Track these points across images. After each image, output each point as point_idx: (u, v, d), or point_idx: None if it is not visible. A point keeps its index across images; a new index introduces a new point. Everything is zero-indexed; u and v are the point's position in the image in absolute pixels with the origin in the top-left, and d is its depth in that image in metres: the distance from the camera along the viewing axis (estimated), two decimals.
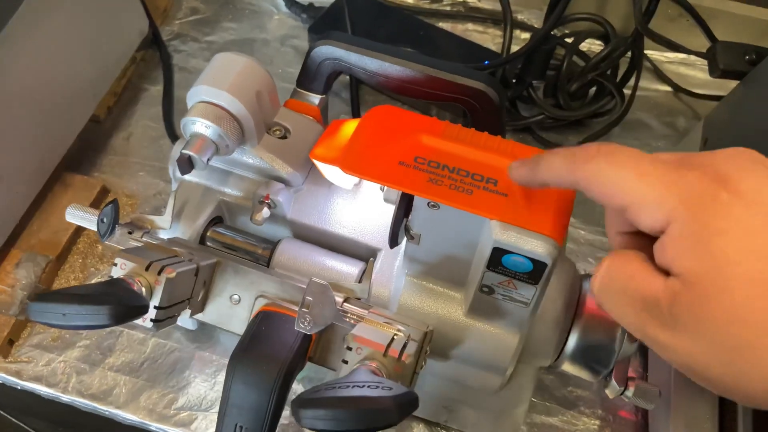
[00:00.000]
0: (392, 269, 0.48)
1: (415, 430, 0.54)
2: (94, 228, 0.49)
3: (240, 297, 0.47)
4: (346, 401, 0.34)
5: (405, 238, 0.44)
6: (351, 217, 0.50)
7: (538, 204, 0.39)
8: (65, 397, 0.55)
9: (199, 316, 0.48)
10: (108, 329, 0.58)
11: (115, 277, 0.42)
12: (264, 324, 0.44)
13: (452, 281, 0.46)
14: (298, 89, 0.54)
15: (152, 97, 0.73)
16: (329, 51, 0.50)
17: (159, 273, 0.42)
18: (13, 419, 0.82)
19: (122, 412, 0.54)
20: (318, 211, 0.50)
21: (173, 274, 0.42)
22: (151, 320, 0.42)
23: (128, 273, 0.42)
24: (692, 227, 0.27)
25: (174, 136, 0.70)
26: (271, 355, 0.42)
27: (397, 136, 0.41)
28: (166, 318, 0.44)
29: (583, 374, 0.48)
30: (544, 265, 0.38)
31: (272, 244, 0.51)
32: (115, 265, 0.43)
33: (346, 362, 0.40)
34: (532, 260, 0.38)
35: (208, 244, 0.51)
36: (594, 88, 0.70)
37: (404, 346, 0.40)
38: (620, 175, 0.29)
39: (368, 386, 0.36)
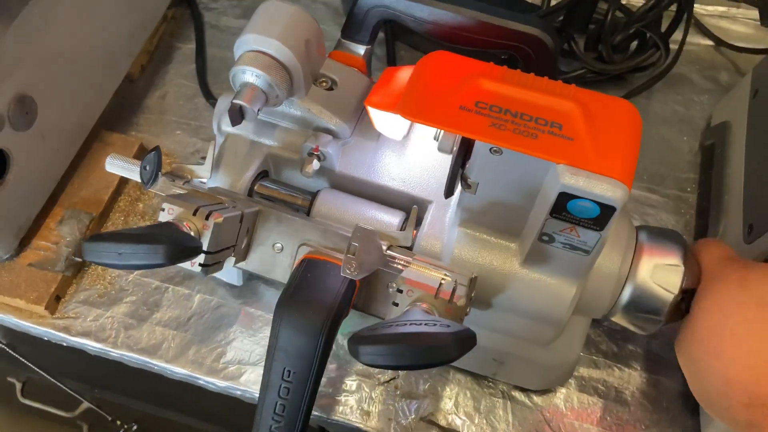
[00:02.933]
0: (443, 221, 0.48)
1: (463, 382, 0.54)
2: (134, 177, 0.48)
3: (283, 245, 0.46)
4: (406, 337, 0.34)
5: (460, 188, 0.43)
6: (400, 170, 0.49)
7: (606, 147, 0.38)
8: (115, 352, 0.55)
9: (242, 264, 0.47)
10: (154, 285, 0.58)
11: (163, 221, 0.42)
12: (309, 271, 0.44)
13: (507, 231, 0.45)
14: (343, 40, 0.52)
15: (184, 55, 0.72)
16: None
17: (207, 218, 0.42)
18: (52, 379, 0.83)
19: (172, 365, 0.54)
20: (367, 163, 0.50)
21: (221, 219, 0.42)
22: (200, 264, 0.42)
23: (176, 218, 0.42)
24: None
25: (209, 94, 0.69)
26: (317, 301, 0.42)
27: (455, 81, 0.40)
28: (213, 263, 0.43)
29: (633, 327, 0.48)
30: (612, 209, 0.37)
31: (311, 195, 0.50)
32: (163, 210, 0.42)
33: (396, 304, 0.40)
34: (600, 205, 0.37)
35: (256, 197, 0.50)
36: (636, 42, 0.69)
37: (454, 290, 0.40)
38: None
39: (425, 324, 0.36)
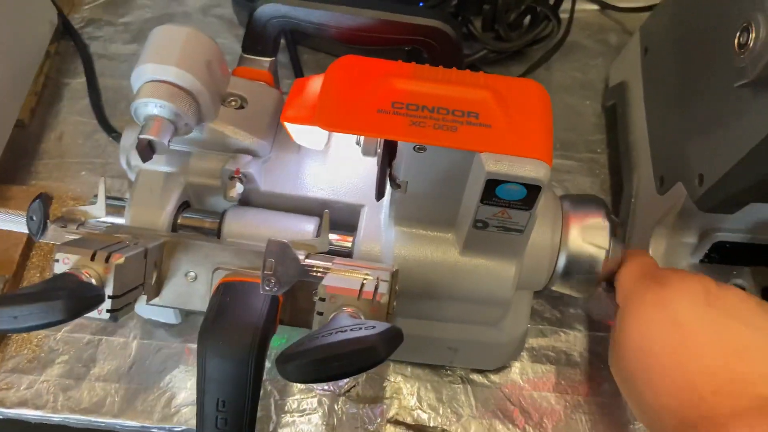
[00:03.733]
0: (378, 223, 0.47)
1: (422, 376, 0.55)
2: (19, 229, 0.46)
3: (196, 273, 0.44)
4: (331, 347, 0.34)
5: (390, 189, 0.43)
6: (326, 179, 0.49)
7: (522, 129, 0.39)
8: (56, 417, 0.52)
9: (156, 300, 0.45)
10: (86, 339, 0.55)
11: (59, 273, 0.39)
12: (227, 295, 0.42)
13: (442, 223, 0.46)
14: (245, 55, 0.51)
15: (75, 90, 0.69)
16: (274, 9, 0.48)
17: (106, 260, 0.39)
18: None
19: (120, 420, 0.52)
20: (291, 177, 0.49)
21: (122, 260, 0.40)
22: (107, 311, 0.40)
23: (73, 266, 0.39)
24: None
25: (109, 127, 0.66)
26: (241, 323, 0.41)
27: (368, 85, 0.40)
28: (122, 306, 0.41)
29: (573, 292, 0.50)
30: (538, 188, 0.38)
31: (219, 216, 0.48)
32: (57, 261, 0.40)
33: (321, 314, 0.40)
34: (526, 186, 0.38)
35: (180, 231, 0.48)
36: (528, 17, 0.71)
37: (376, 288, 0.40)
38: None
39: (351, 329, 0.35)
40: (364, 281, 0.41)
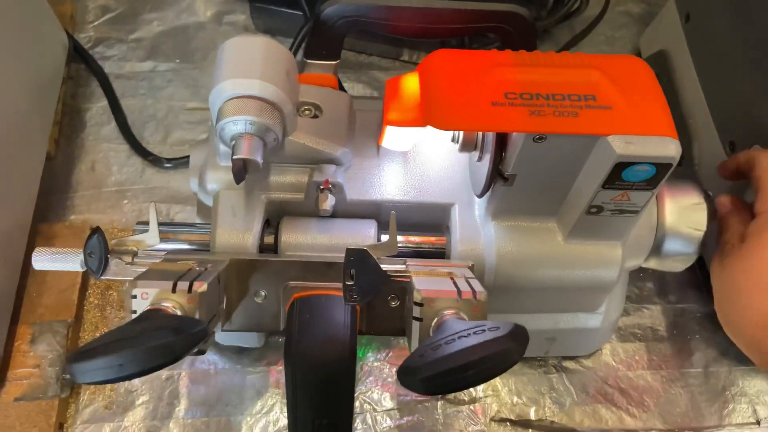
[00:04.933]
0: (474, 221, 0.46)
1: (516, 370, 0.54)
2: (72, 268, 0.42)
3: (265, 292, 0.42)
4: (461, 354, 0.31)
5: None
6: (412, 180, 0.47)
7: (642, 107, 0.38)
8: None
9: (227, 326, 0.42)
10: (164, 375, 0.52)
11: (138, 310, 0.36)
12: (306, 311, 0.40)
13: (545, 212, 0.44)
14: (309, 61, 0.49)
15: (97, 115, 0.65)
16: (341, 10, 0.45)
17: (189, 290, 0.36)
18: None
19: None
20: (375, 183, 0.47)
21: (204, 287, 0.37)
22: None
23: (154, 300, 0.36)
24: None
25: (144, 151, 0.62)
26: (328, 338, 0.39)
27: (474, 78, 0.38)
28: (211, 334, 0.38)
29: (666, 268, 0.49)
30: (669, 166, 0.37)
31: (272, 229, 0.46)
32: (134, 297, 0.36)
33: (420, 319, 0.37)
34: (657, 165, 0.37)
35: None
36: None
37: (471, 286, 0.38)
38: None
39: (473, 333, 0.33)
40: (454, 279, 0.39)
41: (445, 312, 0.37)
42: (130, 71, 0.67)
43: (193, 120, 0.65)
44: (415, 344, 0.37)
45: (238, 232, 0.45)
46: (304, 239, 0.45)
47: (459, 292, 0.37)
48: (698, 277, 0.59)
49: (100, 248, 0.41)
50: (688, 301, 0.58)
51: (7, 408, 0.48)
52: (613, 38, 0.73)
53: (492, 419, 0.52)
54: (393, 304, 0.40)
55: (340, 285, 0.40)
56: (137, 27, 0.70)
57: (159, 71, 0.67)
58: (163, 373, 0.52)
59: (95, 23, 0.70)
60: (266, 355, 0.53)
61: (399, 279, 0.40)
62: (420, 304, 0.37)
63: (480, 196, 0.43)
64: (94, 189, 0.60)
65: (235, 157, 0.40)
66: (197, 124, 0.65)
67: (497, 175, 0.41)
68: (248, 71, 0.40)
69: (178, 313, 0.36)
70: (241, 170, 0.40)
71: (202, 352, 0.37)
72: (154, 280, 0.37)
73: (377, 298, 0.41)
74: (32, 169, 0.56)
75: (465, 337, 0.33)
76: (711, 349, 0.56)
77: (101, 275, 0.42)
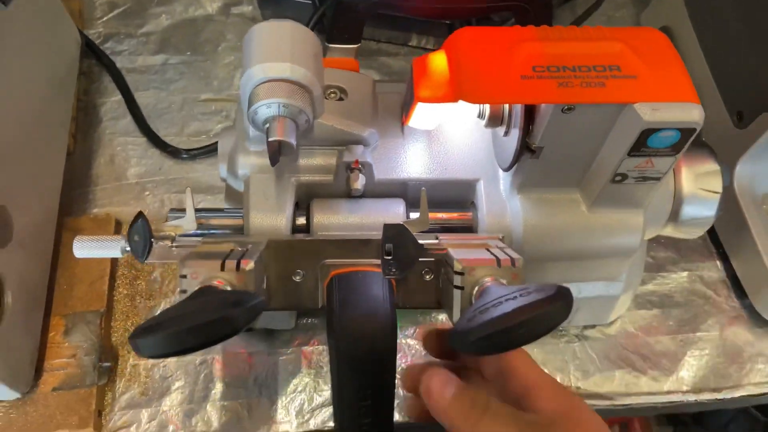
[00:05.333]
0: (499, 195, 0.47)
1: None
2: (112, 254, 0.43)
3: (303, 272, 0.42)
4: (516, 313, 0.32)
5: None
6: (437, 158, 0.48)
7: (665, 75, 0.39)
8: None
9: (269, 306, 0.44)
10: (198, 360, 0.53)
11: (188, 290, 0.37)
12: (343, 288, 0.41)
13: (569, 183, 0.46)
14: (331, 45, 0.49)
15: (112, 110, 0.65)
16: None
17: (237, 268, 0.37)
18: None
19: None
20: (401, 162, 0.48)
21: (251, 265, 0.38)
22: None
23: (203, 280, 0.37)
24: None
25: (163, 143, 0.63)
26: (370, 312, 0.39)
27: (501, 53, 0.39)
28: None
29: (683, 235, 0.51)
30: (693, 131, 0.39)
31: (304, 211, 0.47)
32: (184, 276, 0.37)
33: (462, 288, 0.38)
34: (681, 130, 0.39)
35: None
36: None
37: (506, 253, 0.39)
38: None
39: (519, 295, 0.34)
40: (489, 249, 0.40)
41: (485, 279, 0.38)
42: (142, 65, 0.68)
43: (207, 111, 0.66)
44: (457, 313, 0.38)
45: (271, 215, 0.46)
46: (336, 219, 0.46)
47: (497, 260, 0.38)
48: (709, 245, 0.61)
49: (144, 232, 0.42)
50: (700, 268, 0.59)
51: (47, 398, 0.49)
52: (614, 18, 0.74)
53: None
54: (427, 278, 0.41)
55: (375, 261, 0.41)
56: (146, 21, 0.71)
57: (171, 64, 0.68)
58: (197, 357, 0.53)
59: (103, 19, 0.70)
60: (297, 336, 0.54)
61: (435, 251, 0.41)
62: (460, 273, 0.38)
63: (507, 169, 0.45)
64: (114, 182, 0.61)
65: (270, 139, 0.41)
66: (212, 115, 0.65)
67: (525, 148, 0.42)
68: (279, 55, 0.41)
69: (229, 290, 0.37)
70: (276, 152, 0.41)
71: (250, 329, 0.39)
72: (203, 260, 0.38)
73: (412, 273, 0.42)
74: (56, 163, 0.56)
75: (512, 299, 0.34)
76: (725, 313, 0.58)
77: (145, 258, 0.42)
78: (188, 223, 0.45)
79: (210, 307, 0.34)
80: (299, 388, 0.52)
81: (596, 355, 0.55)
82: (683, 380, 0.54)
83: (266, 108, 0.41)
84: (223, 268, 0.38)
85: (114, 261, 0.56)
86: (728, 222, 0.58)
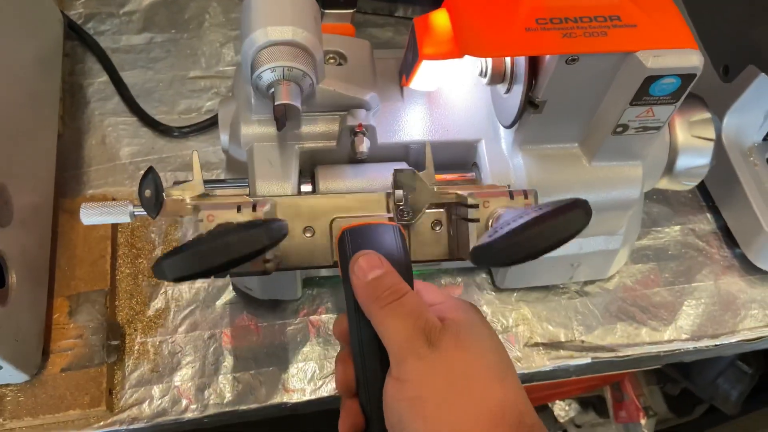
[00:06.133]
0: (502, 153, 0.48)
1: (541, 299, 0.56)
2: (120, 220, 0.42)
3: (314, 228, 0.42)
4: (538, 220, 0.33)
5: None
6: (438, 120, 0.48)
7: (663, 23, 0.40)
8: (205, 416, 0.50)
9: (282, 265, 0.43)
10: (206, 335, 0.52)
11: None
12: (356, 240, 0.39)
13: (570, 137, 0.47)
14: (327, 11, 0.49)
15: (100, 90, 0.64)
16: None
17: (254, 210, 0.38)
18: None
19: (273, 401, 0.50)
20: (402, 125, 0.48)
21: (268, 206, 0.39)
22: (265, 261, 0.39)
23: (220, 222, 0.38)
24: None
25: (154, 122, 0.62)
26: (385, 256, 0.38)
27: (501, 7, 0.40)
28: (274, 257, 0.40)
29: (679, 186, 0.53)
30: (693, 76, 0.40)
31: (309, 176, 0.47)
32: (201, 220, 0.38)
33: (476, 220, 0.39)
34: (682, 76, 0.40)
35: None
36: None
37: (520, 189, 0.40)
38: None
39: (534, 211, 0.34)
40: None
41: (499, 210, 0.39)
42: (126, 44, 0.67)
43: (197, 88, 0.65)
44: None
45: (276, 183, 0.45)
46: (342, 184, 0.46)
47: (510, 192, 0.39)
48: (699, 198, 0.63)
49: (155, 185, 0.41)
50: (692, 221, 0.61)
51: (56, 379, 0.48)
52: None
53: (526, 345, 0.54)
54: (437, 229, 0.42)
55: (386, 215, 0.41)
56: (126, 0, 0.69)
57: (156, 42, 0.67)
58: (205, 332, 0.53)
59: None
60: (304, 306, 0.54)
61: (446, 194, 0.41)
62: (474, 206, 0.39)
63: (509, 126, 0.45)
64: (108, 163, 0.60)
65: (276, 103, 0.40)
66: (202, 92, 0.65)
67: (528, 102, 0.43)
68: (280, 18, 0.41)
69: None
70: (283, 116, 0.41)
71: (267, 272, 0.38)
72: (219, 204, 0.38)
73: (422, 225, 0.42)
74: (48, 145, 0.55)
75: (527, 215, 0.34)
76: (718, 264, 0.59)
77: (158, 213, 0.41)
78: (196, 185, 0.44)
79: (231, 229, 0.34)
80: (309, 357, 0.52)
81: (597, 309, 0.56)
82: (682, 329, 0.56)
83: (270, 72, 0.41)
84: (239, 210, 0.38)
85: (114, 240, 0.55)
86: (717, 174, 0.60)
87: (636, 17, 0.40)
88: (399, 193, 0.40)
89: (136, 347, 0.52)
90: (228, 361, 0.52)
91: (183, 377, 0.51)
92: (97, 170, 0.60)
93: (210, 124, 0.62)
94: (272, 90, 0.41)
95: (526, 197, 0.40)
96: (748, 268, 0.59)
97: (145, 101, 0.63)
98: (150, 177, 0.41)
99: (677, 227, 0.61)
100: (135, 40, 0.67)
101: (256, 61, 0.41)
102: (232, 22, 0.69)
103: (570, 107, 0.44)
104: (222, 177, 0.56)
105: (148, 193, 0.41)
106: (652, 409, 1.02)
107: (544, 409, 1.12)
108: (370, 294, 0.35)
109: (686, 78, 0.40)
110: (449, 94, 0.49)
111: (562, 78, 0.41)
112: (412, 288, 0.36)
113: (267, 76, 0.41)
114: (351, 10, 0.49)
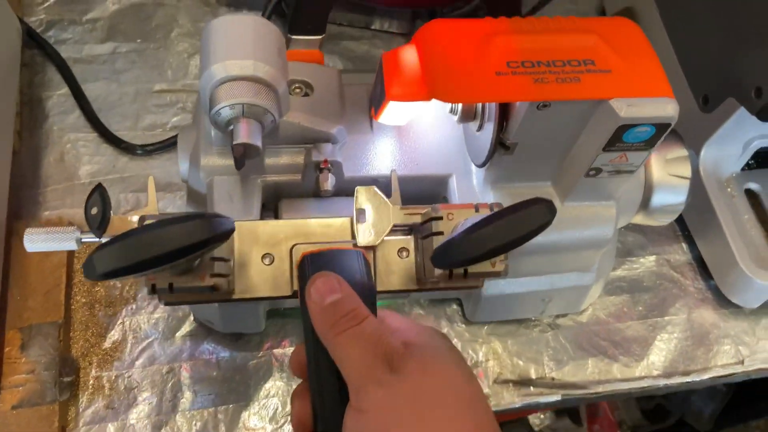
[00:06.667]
0: (472, 189, 0.46)
1: (513, 332, 0.55)
2: (67, 247, 0.39)
3: (273, 255, 0.39)
4: (498, 215, 0.34)
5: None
6: (408, 154, 0.47)
7: (639, 69, 0.39)
8: None
9: (238, 293, 0.41)
10: (164, 369, 0.51)
11: None
12: (316, 265, 0.37)
13: (542, 178, 0.45)
14: (294, 36, 0.47)
15: (59, 104, 0.61)
16: None
17: None
18: None
19: None
20: (371, 159, 0.46)
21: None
22: (214, 275, 0.36)
23: None
24: None
25: (114, 138, 0.59)
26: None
27: (473, 47, 0.38)
28: (225, 274, 0.37)
29: (654, 222, 0.51)
30: (668, 125, 0.38)
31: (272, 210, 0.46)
32: None
33: (441, 233, 0.37)
34: (657, 125, 0.38)
35: None
36: None
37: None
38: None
39: (493, 213, 0.35)
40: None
41: (463, 219, 0.37)
42: (89, 54, 0.64)
43: (162, 103, 0.62)
44: None
45: (237, 218, 0.43)
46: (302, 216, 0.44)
47: (476, 205, 0.38)
48: (675, 228, 0.62)
49: (102, 203, 0.39)
50: (667, 252, 0.60)
51: (6, 416, 0.46)
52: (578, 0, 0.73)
53: (495, 381, 0.53)
54: (403, 256, 0.40)
55: (351, 241, 0.39)
56: (91, 7, 0.66)
57: (120, 53, 0.64)
58: (163, 366, 0.51)
59: (45, 5, 0.66)
60: (267, 339, 0.53)
61: (411, 214, 0.39)
62: (438, 218, 0.38)
63: (481, 166, 0.44)
64: (66, 182, 0.57)
65: (235, 143, 0.38)
66: (168, 107, 0.62)
67: (499, 144, 0.41)
68: (241, 51, 0.39)
69: None
70: (242, 156, 0.39)
71: (216, 288, 0.36)
72: (167, 217, 0.35)
73: (387, 255, 0.40)
74: (2, 162, 0.52)
75: (492, 216, 0.34)
76: (692, 297, 0.58)
77: (103, 232, 0.39)
78: (151, 211, 0.42)
79: (169, 221, 0.32)
80: (272, 393, 0.51)
81: (569, 343, 0.55)
82: (654, 365, 0.55)
83: (229, 109, 0.39)
84: None
85: (70, 268, 0.53)
86: (693, 204, 0.59)
87: (611, 62, 0.38)
88: (360, 210, 0.38)
89: (91, 382, 0.50)
90: (187, 397, 0.50)
91: (139, 414, 0.49)
92: (55, 190, 0.57)
93: (175, 142, 0.60)
94: (231, 127, 0.39)
95: (492, 209, 0.39)
96: (722, 301, 0.58)
97: (107, 116, 0.61)
98: (97, 193, 0.39)
99: (652, 257, 0.60)
100: (98, 50, 0.64)
101: (215, 96, 0.39)
102: (201, 31, 0.66)
103: (542, 149, 0.42)
104: (184, 200, 0.54)
105: (94, 210, 0.39)
106: (626, 423, 1.02)
107: (520, 419, 1.12)
108: (327, 319, 0.33)
109: (661, 127, 0.38)
110: (421, 127, 0.47)
111: (534, 122, 0.39)
112: (375, 315, 0.34)
113: (226, 113, 0.39)
114: (319, 37, 0.47)
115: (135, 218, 0.39)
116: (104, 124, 0.60)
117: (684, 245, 0.61)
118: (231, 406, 0.50)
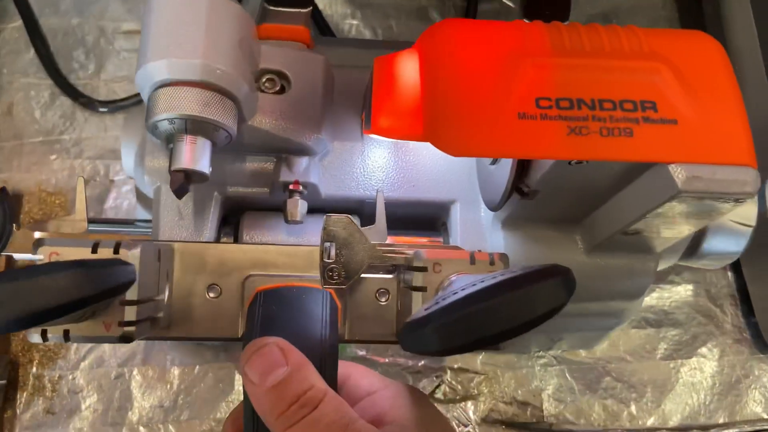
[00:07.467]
0: (477, 220, 0.38)
1: (513, 363, 0.48)
2: None
3: (220, 287, 0.32)
4: (493, 289, 0.24)
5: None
6: (404, 173, 0.38)
7: (714, 117, 0.28)
8: None
9: (170, 332, 0.33)
10: (113, 374, 0.45)
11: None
12: (269, 306, 0.31)
13: (568, 222, 0.36)
14: (271, 7, 0.37)
15: (11, 39, 0.52)
16: None
17: (116, 252, 0.28)
18: None
19: None
20: (357, 177, 0.37)
21: (137, 252, 0.28)
22: (122, 324, 0.28)
23: None
24: None
25: (71, 89, 0.50)
26: (300, 335, 0.29)
27: (492, 71, 0.28)
28: (142, 320, 0.29)
29: (708, 265, 0.43)
30: (741, 200, 0.29)
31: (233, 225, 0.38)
32: (41, 259, 0.28)
33: (423, 289, 0.30)
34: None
35: None
36: None
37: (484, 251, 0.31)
38: None
39: (500, 275, 0.25)
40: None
41: (453, 276, 0.30)
42: None
43: (131, 47, 0.53)
44: None
45: (187, 232, 0.36)
46: (272, 238, 0.36)
47: (471, 255, 0.30)
48: None
49: (3, 212, 0.31)
50: (708, 279, 0.51)
51: None
52: None
53: (485, 420, 0.47)
54: (382, 300, 0.32)
55: (315, 276, 0.32)
56: None
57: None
58: (112, 370, 0.45)
59: None
60: (231, 348, 0.46)
61: (392, 254, 0.31)
62: (422, 269, 0.30)
63: (494, 209, 0.35)
64: (14, 140, 0.50)
65: (173, 168, 0.30)
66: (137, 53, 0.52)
67: (518, 190, 0.32)
68: (187, 47, 0.30)
69: None
70: (183, 183, 0.30)
71: (129, 340, 0.29)
72: (69, 241, 0.28)
73: (362, 294, 0.32)
74: None
75: (489, 280, 0.25)
76: (728, 335, 0.50)
77: (2, 249, 0.33)
78: (76, 223, 0.34)
79: (42, 269, 0.24)
80: (232, 408, 0.45)
81: (576, 381, 0.48)
82: (668, 416, 0.48)
83: (168, 124, 0.30)
84: (95, 251, 0.28)
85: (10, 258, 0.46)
86: None
87: (678, 107, 0.28)
88: (327, 245, 0.30)
89: (31, 381, 0.45)
90: (136, 407, 0.45)
91: (82, 423, 0.44)
92: (1, 149, 0.49)
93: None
94: (171, 146, 0.31)
95: (492, 263, 0.30)
96: (760, 344, 0.50)
97: (66, 59, 0.52)
98: None
99: (690, 286, 0.51)
100: None
101: (153, 103, 0.30)
102: None
103: (570, 200, 0.33)
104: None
105: None
106: None
107: None
108: (273, 408, 0.26)
109: (732, 201, 0.29)
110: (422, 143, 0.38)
111: (563, 175, 0.30)
112: (335, 383, 0.28)
113: (164, 127, 0.30)
114: (305, 9, 0.37)
115: (36, 233, 0.31)
116: (60, 71, 0.51)
117: (729, 273, 0.52)
118: (186, 420, 0.45)
